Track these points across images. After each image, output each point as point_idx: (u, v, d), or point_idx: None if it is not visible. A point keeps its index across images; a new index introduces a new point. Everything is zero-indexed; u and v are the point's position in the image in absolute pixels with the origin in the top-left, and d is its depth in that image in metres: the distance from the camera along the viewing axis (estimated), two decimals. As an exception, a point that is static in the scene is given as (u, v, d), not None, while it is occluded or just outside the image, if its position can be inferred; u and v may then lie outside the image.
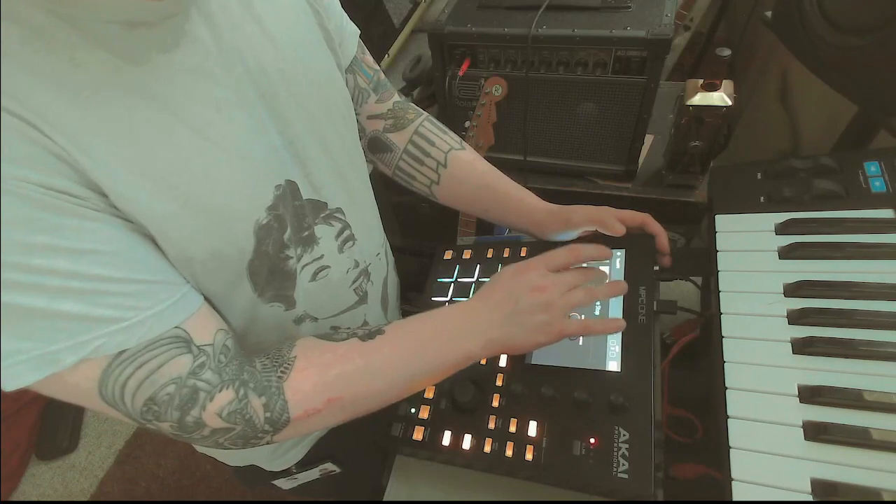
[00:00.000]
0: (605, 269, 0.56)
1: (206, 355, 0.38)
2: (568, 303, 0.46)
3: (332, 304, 0.55)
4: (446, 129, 0.67)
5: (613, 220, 0.57)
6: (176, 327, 0.36)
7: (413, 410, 0.52)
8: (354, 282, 0.57)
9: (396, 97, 0.65)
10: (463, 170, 0.64)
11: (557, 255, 0.49)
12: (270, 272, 0.46)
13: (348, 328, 0.47)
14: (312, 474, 0.68)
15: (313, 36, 0.49)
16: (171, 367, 0.36)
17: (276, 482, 0.69)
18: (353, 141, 0.56)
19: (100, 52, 0.32)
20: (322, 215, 0.51)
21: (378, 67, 0.63)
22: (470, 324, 0.46)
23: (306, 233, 0.49)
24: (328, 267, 0.52)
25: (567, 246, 0.49)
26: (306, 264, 0.50)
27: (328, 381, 0.42)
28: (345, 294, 0.56)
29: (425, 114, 0.67)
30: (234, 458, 0.65)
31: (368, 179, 0.62)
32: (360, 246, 0.56)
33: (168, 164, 0.36)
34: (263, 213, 0.42)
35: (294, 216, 0.47)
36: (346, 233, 0.54)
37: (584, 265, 0.52)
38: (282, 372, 0.41)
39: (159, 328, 0.35)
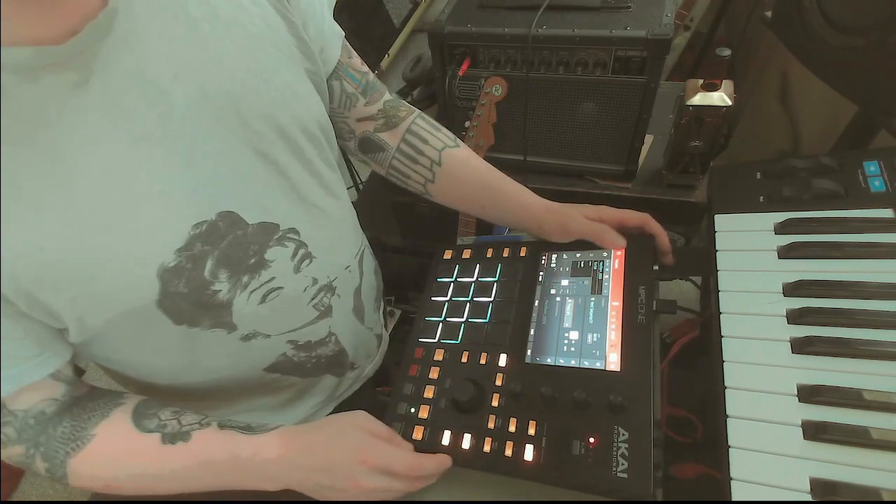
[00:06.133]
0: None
1: (14, 417, 0.42)
2: None
3: (286, 322, 0.55)
4: (440, 126, 0.66)
5: (612, 235, 0.56)
6: None
7: (413, 410, 0.52)
8: (313, 298, 0.56)
9: (387, 96, 0.64)
10: (458, 167, 0.63)
11: (398, 461, 0.46)
12: (195, 306, 0.46)
13: (160, 418, 0.47)
14: None
15: (279, 50, 0.47)
16: None
17: None
18: (322, 156, 0.54)
19: None
20: (276, 237, 0.50)
21: (367, 70, 0.62)
22: (278, 469, 0.46)
23: (253, 260, 0.48)
24: (280, 288, 0.51)
25: (415, 458, 0.47)
26: (254, 290, 0.49)
27: (111, 472, 0.45)
28: (302, 311, 0.56)
29: (417, 111, 0.66)
30: None
31: (344, 190, 0.61)
32: (320, 263, 0.55)
33: (49, 232, 0.36)
34: (171, 256, 0.42)
35: (231, 248, 0.46)
36: (302, 252, 0.53)
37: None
38: (73, 448, 0.44)
39: None
